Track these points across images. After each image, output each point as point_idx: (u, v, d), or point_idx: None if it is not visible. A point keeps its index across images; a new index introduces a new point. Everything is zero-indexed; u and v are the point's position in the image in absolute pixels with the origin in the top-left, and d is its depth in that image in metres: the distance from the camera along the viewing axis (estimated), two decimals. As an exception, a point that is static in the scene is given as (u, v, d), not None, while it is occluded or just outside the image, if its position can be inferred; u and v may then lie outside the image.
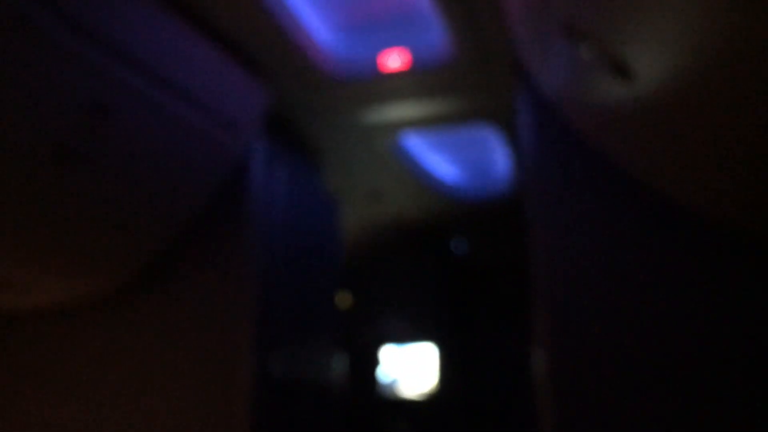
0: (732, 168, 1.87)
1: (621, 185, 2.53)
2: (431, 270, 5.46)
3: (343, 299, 5.12)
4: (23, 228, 2.38)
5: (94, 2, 2.02)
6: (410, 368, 5.36)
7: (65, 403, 2.98)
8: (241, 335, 2.82)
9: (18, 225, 2.36)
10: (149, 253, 2.82)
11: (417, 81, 3.05)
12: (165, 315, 2.95)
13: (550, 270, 2.57)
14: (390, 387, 5.37)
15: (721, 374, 2.31)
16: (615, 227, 2.54)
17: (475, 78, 3.02)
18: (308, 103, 3.22)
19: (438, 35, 2.82)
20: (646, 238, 2.49)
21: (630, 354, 2.41)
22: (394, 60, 2.93)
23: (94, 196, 2.43)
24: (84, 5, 1.99)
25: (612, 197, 2.56)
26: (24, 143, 2.06)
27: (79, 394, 2.97)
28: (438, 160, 4.53)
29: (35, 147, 2.09)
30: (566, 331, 2.50)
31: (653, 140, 2.04)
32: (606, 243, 2.54)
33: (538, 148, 2.72)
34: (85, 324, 3.04)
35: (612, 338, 2.45)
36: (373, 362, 5.41)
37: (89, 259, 2.69)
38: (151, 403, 2.87)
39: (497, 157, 4.45)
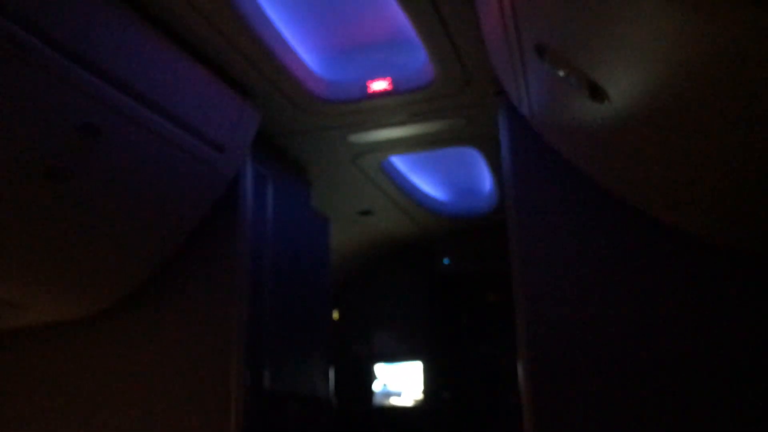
0: (701, 183, 1.97)
1: (598, 200, 2.65)
2: (418, 286, 5.56)
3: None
4: (19, 248, 2.45)
5: (85, 27, 2.10)
6: (399, 381, 5.46)
7: (59, 416, 3.02)
8: (234, 349, 2.89)
9: (14, 246, 2.43)
10: (143, 271, 2.90)
11: (401, 104, 3.16)
12: (158, 330, 3.02)
13: (530, 282, 2.67)
14: (378, 398, 5.47)
15: (696, 381, 2.41)
16: (593, 240, 2.66)
17: (457, 100, 3.14)
18: (298, 124, 3.33)
19: (420, 60, 2.94)
20: (622, 250, 2.60)
21: (610, 361, 2.51)
22: (379, 84, 3.04)
23: (89, 217, 2.50)
24: (75, 30, 2.07)
25: (589, 211, 2.68)
26: (16, 163, 2.12)
27: (75, 407, 3.02)
28: (425, 179, 4.64)
29: (28, 167, 2.15)
30: (547, 341, 2.60)
31: (626, 157, 2.14)
32: (585, 255, 2.65)
33: (519, 166, 2.84)
34: (79, 339, 3.10)
35: (592, 346, 2.55)
36: (362, 376, 5.48)
37: (86, 277, 2.76)
38: (144, 416, 2.93)
39: (482, 175, 4.56)
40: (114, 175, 2.45)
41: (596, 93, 1.82)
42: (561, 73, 1.90)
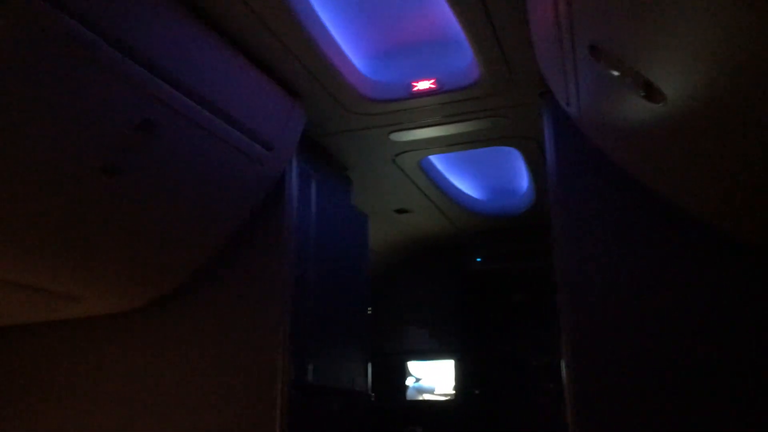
0: (759, 189, 1.97)
1: (643, 201, 2.66)
2: (451, 284, 5.60)
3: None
4: (77, 242, 2.52)
5: (144, 26, 2.17)
6: (431, 377, 5.51)
7: (104, 408, 3.10)
8: (280, 344, 2.94)
9: (73, 240, 2.50)
10: (193, 264, 2.97)
11: (444, 103, 3.20)
12: (204, 324, 3.09)
13: (574, 282, 2.69)
14: (411, 393, 5.53)
15: (744, 385, 2.41)
16: (637, 240, 2.67)
17: (500, 100, 3.17)
18: (341, 123, 3.38)
19: (466, 59, 2.97)
20: (668, 252, 2.61)
21: (654, 360, 2.52)
22: (423, 83, 3.08)
23: (144, 212, 2.57)
24: (135, 29, 2.13)
25: (634, 211, 2.69)
26: (76, 159, 2.19)
27: (120, 399, 3.10)
28: (460, 177, 4.67)
29: (87, 163, 2.22)
30: (591, 340, 2.62)
31: (680, 158, 2.15)
32: (629, 256, 2.66)
33: (563, 166, 2.86)
34: (126, 331, 3.18)
35: (636, 345, 2.56)
36: (395, 372, 5.54)
37: (138, 271, 2.84)
38: (191, 410, 2.99)
39: (518, 175, 4.58)
40: (168, 171, 2.51)
41: (652, 93, 1.82)
42: (615, 73, 1.92)
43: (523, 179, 4.62)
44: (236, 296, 3.07)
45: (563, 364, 2.70)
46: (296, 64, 2.79)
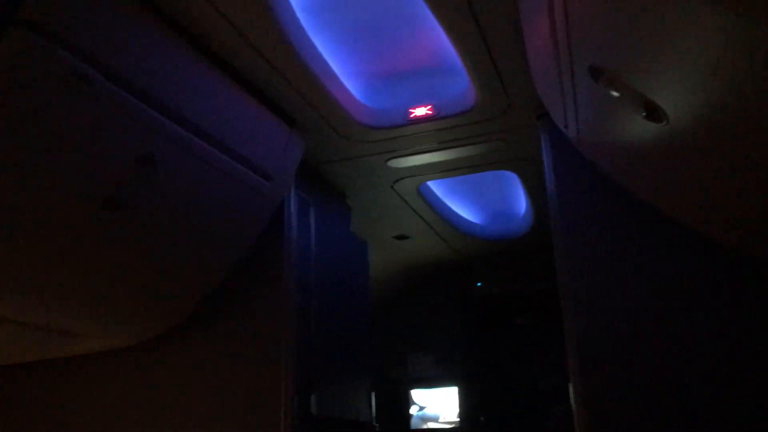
0: (761, 202, 1.97)
1: (644, 219, 2.65)
2: (452, 309, 5.57)
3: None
4: (76, 279, 2.50)
5: (142, 59, 2.17)
6: (435, 404, 5.46)
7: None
8: (283, 375, 2.91)
9: (72, 276, 2.48)
10: (196, 298, 2.94)
11: (442, 128, 3.20)
12: (207, 357, 3.05)
13: (579, 302, 2.68)
14: (415, 422, 5.47)
15: (758, 402, 2.38)
16: (639, 259, 2.66)
17: (498, 124, 3.17)
18: (339, 151, 3.38)
19: (462, 85, 2.98)
20: (674, 270, 2.60)
21: (666, 382, 2.50)
22: (420, 110, 3.09)
23: (144, 246, 2.55)
24: (132, 62, 2.13)
25: (635, 230, 2.68)
26: (75, 194, 2.17)
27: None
28: (459, 202, 4.66)
29: (87, 198, 2.20)
30: (598, 360, 2.60)
31: (683, 177, 2.15)
32: (631, 275, 2.65)
33: (563, 188, 2.85)
34: (129, 367, 3.14)
35: (643, 363, 2.54)
36: (399, 400, 5.48)
37: (139, 306, 2.80)
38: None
39: (516, 198, 4.58)
40: (169, 205, 2.50)
41: (654, 114, 1.82)
42: (616, 94, 1.92)
43: (521, 202, 4.62)
44: (238, 328, 3.04)
45: (571, 387, 2.67)
46: (293, 93, 2.79)
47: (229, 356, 3.02)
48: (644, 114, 1.85)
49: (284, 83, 2.71)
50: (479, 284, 5.66)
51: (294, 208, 3.20)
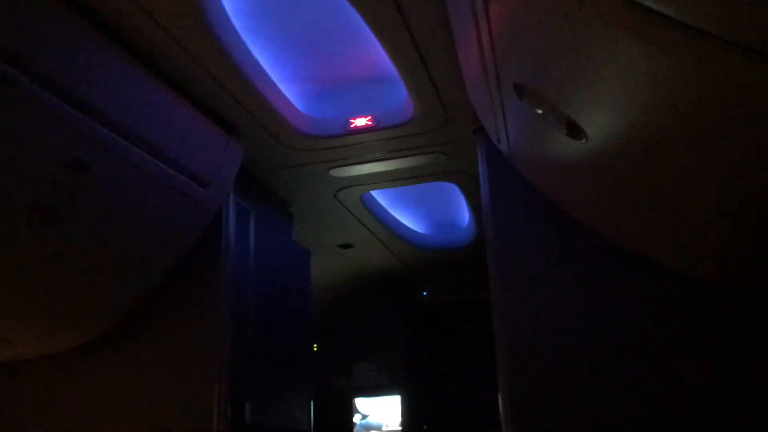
0: (676, 219, 2.04)
1: (574, 233, 2.71)
2: (398, 318, 5.59)
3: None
4: (5, 285, 2.45)
5: (71, 63, 2.14)
6: (378, 413, 5.47)
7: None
8: (217, 383, 2.89)
9: (2, 282, 2.43)
10: (127, 304, 2.90)
11: (382, 139, 3.23)
12: (140, 364, 3.02)
13: (510, 314, 2.72)
14: (358, 431, 5.48)
15: (677, 410, 2.45)
16: (570, 271, 2.71)
17: (437, 136, 3.21)
18: (280, 159, 3.38)
19: (402, 97, 3.01)
20: (600, 282, 2.66)
21: (591, 391, 2.55)
22: (360, 120, 3.11)
23: (75, 252, 2.51)
24: (61, 66, 2.10)
25: (566, 244, 2.74)
26: (3, 199, 2.13)
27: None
28: (405, 212, 4.70)
29: (15, 203, 2.16)
30: (527, 372, 2.64)
31: (604, 193, 2.21)
32: (562, 287, 2.70)
33: (497, 201, 2.90)
34: (61, 373, 3.08)
35: (572, 376, 2.59)
36: (342, 409, 5.48)
37: (71, 312, 2.76)
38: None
39: (461, 209, 4.63)
40: (100, 211, 2.47)
41: (574, 131, 1.87)
42: (539, 111, 1.96)
43: (465, 213, 4.67)
44: (173, 335, 3.01)
45: (500, 398, 2.71)
46: (231, 101, 2.78)
47: (162, 363, 2.99)
48: (565, 131, 1.89)
49: (220, 90, 2.69)
50: (425, 293, 5.70)
51: (232, 215, 3.19)
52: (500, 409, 2.71)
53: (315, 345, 5.59)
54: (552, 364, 2.63)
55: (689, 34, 1.15)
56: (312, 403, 3.92)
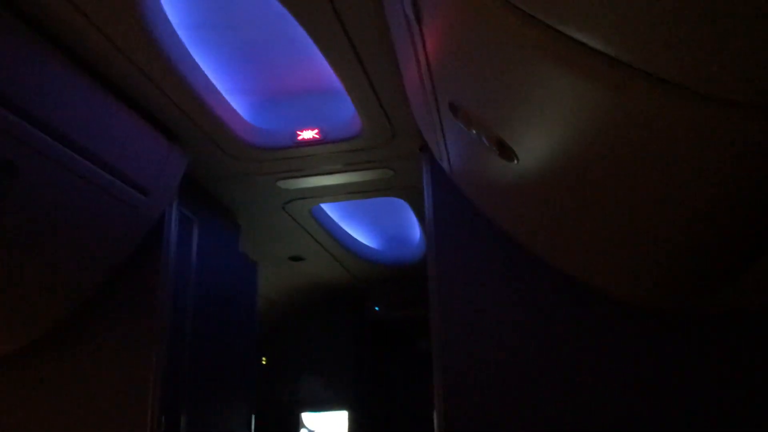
0: (608, 243, 2.06)
1: (514, 252, 2.73)
2: (348, 333, 5.57)
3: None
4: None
5: (6, 66, 2.09)
6: (325, 429, 5.42)
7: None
8: (150, 393, 2.84)
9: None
10: (60, 311, 2.84)
11: (330, 153, 3.22)
12: (73, 372, 2.95)
13: (447, 332, 2.73)
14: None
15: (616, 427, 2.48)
16: (510, 291, 2.73)
17: (384, 152, 3.22)
18: (226, 169, 3.35)
19: (349, 111, 3.01)
20: (538, 302, 2.68)
21: (526, 412, 2.56)
22: (308, 132, 3.10)
23: (5, 256, 2.45)
24: None
25: (506, 263, 2.76)
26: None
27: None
28: (356, 226, 4.69)
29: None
30: (462, 391, 2.64)
31: (535, 214, 2.23)
32: (501, 306, 2.72)
33: (440, 219, 2.91)
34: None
35: (507, 396, 2.60)
36: (288, 424, 5.43)
37: (2, 318, 2.69)
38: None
39: (412, 224, 4.64)
40: (32, 214, 2.41)
41: (505, 152, 1.89)
42: (473, 131, 1.98)
43: (417, 228, 4.69)
44: (108, 344, 2.95)
45: (434, 417, 2.71)
46: (173, 108, 2.75)
47: (96, 372, 2.93)
48: (497, 152, 1.91)
49: (162, 96, 2.66)
50: (377, 309, 5.68)
51: (175, 224, 3.15)
52: (435, 427, 2.71)
53: (264, 358, 5.53)
54: (487, 382, 2.63)
55: (608, 62, 1.18)
56: (254, 416, 3.87)
